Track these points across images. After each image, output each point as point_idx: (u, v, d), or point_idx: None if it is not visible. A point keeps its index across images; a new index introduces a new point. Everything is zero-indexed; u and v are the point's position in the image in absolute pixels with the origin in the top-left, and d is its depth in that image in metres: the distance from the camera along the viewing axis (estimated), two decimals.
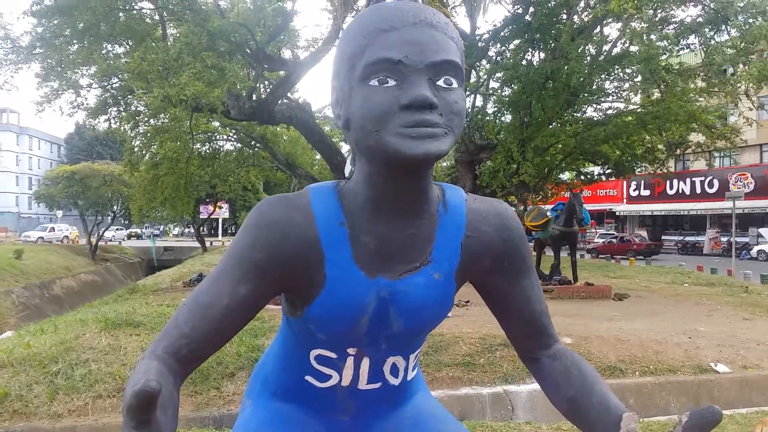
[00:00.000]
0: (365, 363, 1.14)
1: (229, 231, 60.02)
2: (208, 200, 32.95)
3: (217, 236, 51.50)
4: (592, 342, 6.37)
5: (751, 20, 11.27)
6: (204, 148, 20.17)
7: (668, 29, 11.91)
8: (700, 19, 12.07)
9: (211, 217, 41.76)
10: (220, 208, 39.72)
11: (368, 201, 1.01)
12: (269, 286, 1.01)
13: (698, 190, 36.32)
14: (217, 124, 18.25)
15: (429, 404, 1.31)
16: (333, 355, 1.12)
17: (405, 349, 1.16)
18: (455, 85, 0.95)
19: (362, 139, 0.96)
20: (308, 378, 1.17)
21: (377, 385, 1.17)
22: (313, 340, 1.11)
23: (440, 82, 0.94)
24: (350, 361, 1.13)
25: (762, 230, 31.52)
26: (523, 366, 5.90)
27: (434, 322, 1.11)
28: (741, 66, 11.37)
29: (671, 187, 37.49)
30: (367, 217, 1.02)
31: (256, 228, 1.00)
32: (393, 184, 0.99)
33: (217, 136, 20.30)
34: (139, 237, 53.88)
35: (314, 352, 1.13)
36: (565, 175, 21.01)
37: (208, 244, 35.98)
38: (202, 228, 38.42)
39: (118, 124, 16.77)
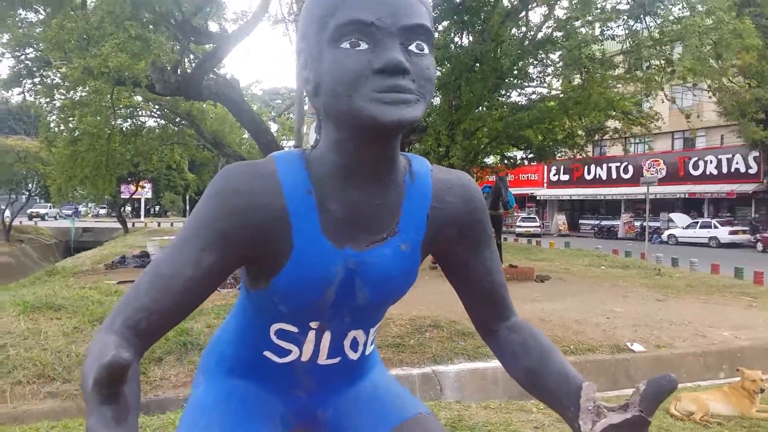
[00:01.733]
0: (326, 337, 1.13)
1: (152, 211, 58.13)
2: (130, 179, 31.76)
3: (140, 217, 49.67)
4: None
5: (676, 14, 11.81)
6: (126, 124, 19.41)
7: (590, 17, 12.32)
8: (620, 6, 12.53)
9: (133, 197, 40.34)
10: (143, 187, 38.40)
11: (337, 169, 0.99)
12: (234, 257, 0.98)
13: (614, 176, 37.89)
14: (139, 98, 17.57)
15: (385, 379, 1.32)
16: (294, 329, 1.11)
17: (367, 322, 1.16)
18: (426, 50, 0.94)
19: (333, 104, 0.93)
20: (267, 353, 1.15)
21: (336, 360, 1.17)
22: (275, 313, 1.09)
23: (412, 47, 0.93)
24: (312, 335, 1.12)
25: (673, 215, 33.28)
26: (451, 346, 6.10)
27: (399, 293, 1.11)
28: (658, 60, 11.89)
29: (589, 173, 39.00)
30: (335, 186, 1.00)
31: (220, 196, 0.96)
32: (363, 152, 0.97)
33: (140, 112, 19.56)
34: (42, 218, 48.35)
35: (275, 326, 1.11)
36: (490, 159, 21.51)
37: (129, 225, 34.70)
38: (123, 208, 37.01)
39: (33, 97, 15.87)
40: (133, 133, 19.35)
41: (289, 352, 1.14)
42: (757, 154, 30.87)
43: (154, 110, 19.30)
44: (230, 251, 0.96)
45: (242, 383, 1.19)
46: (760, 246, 26.13)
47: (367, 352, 1.22)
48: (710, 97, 14.61)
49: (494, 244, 1.18)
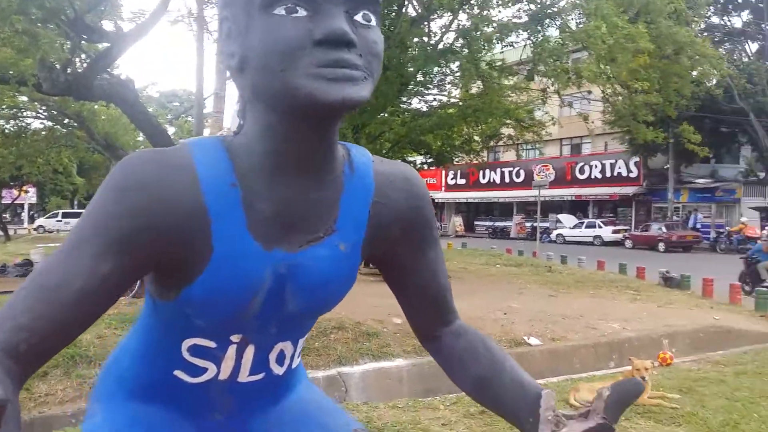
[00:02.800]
0: (249, 351, 0.98)
1: (35, 217, 54.34)
2: (12, 183, 29.61)
3: (23, 224, 46.34)
4: None
5: (573, 24, 12.53)
6: (8, 126, 18.10)
7: (490, 28, 12.84)
8: (517, 20, 13.12)
9: (15, 202, 37.63)
10: (26, 192, 35.87)
11: (266, 158, 0.85)
12: (138, 264, 0.81)
13: (507, 180, 39.78)
14: (24, 98, 16.44)
15: (314, 395, 1.19)
16: (212, 345, 0.96)
17: (296, 333, 1.03)
18: (374, 22, 0.82)
19: (263, 81, 0.80)
20: (178, 373, 0.99)
21: (260, 377, 1.02)
22: (189, 327, 0.94)
23: (358, 17, 0.80)
24: (232, 350, 0.97)
25: (561, 216, 35.21)
26: (356, 347, 6.17)
27: (336, 300, 0.99)
28: (556, 68, 12.54)
29: (484, 177, 40.78)
30: (264, 178, 0.85)
31: (122, 190, 0.80)
32: (298, 138, 0.84)
33: (25, 113, 18.30)
34: None
35: (188, 342, 0.96)
36: None
37: (11, 231, 32.30)
38: (4, 214, 34.42)
39: None
40: (16, 134, 18.08)
41: (205, 370, 0.99)
42: (637, 159, 33.21)
43: (41, 111, 18.12)
44: (133, 257, 0.80)
45: (147, 408, 1.03)
46: (629, 243, 28.19)
47: (293, 366, 1.09)
48: (607, 103, 15.56)
49: (440, 245, 1.08)
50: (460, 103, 15.25)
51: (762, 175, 29.52)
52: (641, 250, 26.24)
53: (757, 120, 27.88)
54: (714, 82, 24.80)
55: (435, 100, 17.02)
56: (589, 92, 15.84)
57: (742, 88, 27.08)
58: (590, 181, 36.07)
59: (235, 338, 0.96)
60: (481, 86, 14.12)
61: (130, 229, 0.79)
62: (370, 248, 0.98)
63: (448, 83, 16.27)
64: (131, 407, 1.03)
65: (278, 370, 1.04)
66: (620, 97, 14.04)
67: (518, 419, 0.93)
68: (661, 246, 26.26)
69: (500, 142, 20.76)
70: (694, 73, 14.80)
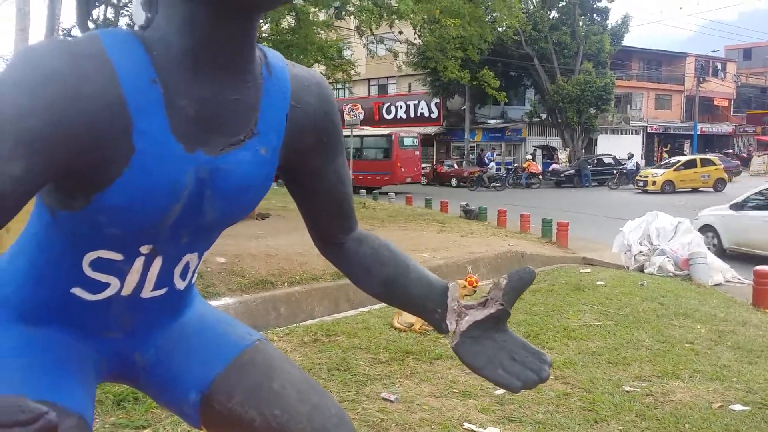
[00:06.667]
0: (156, 264, 0.94)
1: None
2: None
3: None
4: (244, 259, 6.71)
5: None
6: None
7: None
8: None
9: None
10: None
11: (186, 54, 0.79)
12: (51, 165, 0.72)
13: None
14: None
15: (210, 309, 1.18)
16: (118, 257, 0.90)
17: (204, 243, 1.00)
18: None
19: None
20: (76, 290, 0.93)
21: (162, 291, 0.99)
22: (94, 239, 0.87)
23: None
24: (139, 263, 0.92)
25: None
26: None
27: (251, 206, 0.97)
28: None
29: None
30: (185, 76, 0.79)
31: (28, 83, 0.69)
32: (221, 33, 0.79)
33: None
34: None
35: (91, 256, 0.89)
36: None
37: None
38: None
39: None
40: None
41: (107, 285, 0.93)
42: (438, 100, 35.16)
43: None
44: (47, 157, 0.71)
45: (39, 330, 0.95)
46: (424, 180, 30.22)
47: (193, 281, 1.07)
48: (411, 45, 16.07)
49: (344, 152, 1.08)
50: (273, 37, 14.87)
51: (544, 116, 32.92)
52: (433, 186, 28.20)
53: (540, 65, 30.83)
54: (505, 28, 26.91)
55: None
56: (401, 32, 16.30)
57: (528, 35, 29.66)
58: (396, 121, 37.54)
59: (144, 249, 0.91)
60: (293, 22, 13.90)
61: (44, 126, 0.70)
62: (285, 153, 0.96)
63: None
64: (20, 330, 0.95)
65: (180, 285, 1.01)
66: (429, 33, 14.61)
67: (427, 312, 1.02)
68: (454, 181, 28.43)
69: None
70: (495, 15, 15.92)
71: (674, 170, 24.39)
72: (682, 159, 26.03)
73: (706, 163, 24.83)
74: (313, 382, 1.09)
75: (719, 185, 24.13)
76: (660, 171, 24.80)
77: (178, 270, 0.99)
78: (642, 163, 32.09)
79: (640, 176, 25.11)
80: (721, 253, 9.40)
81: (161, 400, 1.11)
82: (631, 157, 29.58)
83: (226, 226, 0.99)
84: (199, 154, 0.84)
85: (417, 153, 24.91)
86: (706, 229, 10.22)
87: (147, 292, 0.97)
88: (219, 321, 1.14)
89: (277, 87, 0.91)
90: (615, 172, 27.44)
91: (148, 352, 1.06)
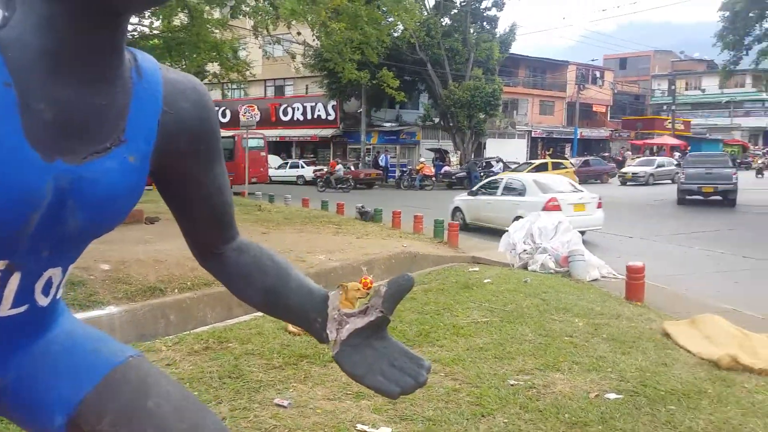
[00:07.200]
0: (14, 280, 0.86)
1: None
2: None
3: None
4: (131, 266, 6.42)
5: None
6: None
7: None
8: None
9: None
10: None
11: (44, 56, 0.74)
12: None
13: None
14: None
15: (78, 324, 1.09)
16: None
17: (68, 257, 0.93)
18: None
19: None
20: None
21: (22, 309, 0.91)
22: None
23: None
24: None
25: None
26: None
27: (120, 217, 0.91)
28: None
29: None
30: (43, 78, 0.75)
31: None
32: (85, 33, 0.75)
33: None
34: None
35: None
36: None
37: None
38: None
39: None
40: None
41: None
42: (335, 103, 35.24)
43: None
44: None
45: None
46: (320, 182, 30.01)
47: (58, 296, 0.99)
48: (308, 46, 16.01)
49: (223, 159, 1.05)
50: (166, 35, 14.36)
51: (437, 119, 33.81)
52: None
53: (433, 70, 31.65)
54: (399, 33, 27.37)
55: (135, 31, 15.71)
56: (299, 33, 16.19)
57: (422, 40, 30.38)
58: (293, 123, 37.29)
59: None
60: (186, 19, 13.49)
61: None
62: (157, 160, 0.92)
63: (149, 13, 15.13)
64: None
65: (43, 301, 0.94)
66: (321, 37, 14.66)
67: (307, 321, 1.01)
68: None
69: (205, 81, 20.16)
70: (390, 19, 16.17)
71: (526, 173, 25.54)
72: (535, 162, 27.05)
73: (557, 166, 25.81)
74: (193, 398, 1.03)
75: None
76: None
77: (39, 286, 0.91)
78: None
79: None
80: (465, 227, 12.94)
81: (26, 426, 1.03)
82: (499, 161, 30.86)
83: (93, 238, 0.93)
84: (58, 162, 0.78)
85: (263, 154, 25.43)
86: (456, 210, 13.96)
87: (5, 311, 0.89)
88: (88, 337, 1.06)
89: (147, 91, 0.88)
90: (482, 174, 28.29)
91: (8, 374, 0.98)
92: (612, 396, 3.49)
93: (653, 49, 64.53)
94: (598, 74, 51.05)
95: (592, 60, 49.40)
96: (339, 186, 26.50)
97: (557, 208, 10.95)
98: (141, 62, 0.89)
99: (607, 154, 43.86)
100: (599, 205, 11.94)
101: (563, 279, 7.20)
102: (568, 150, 44.48)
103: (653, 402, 3.41)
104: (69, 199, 0.82)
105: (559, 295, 6.05)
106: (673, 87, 55.31)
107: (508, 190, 12.66)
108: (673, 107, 51.60)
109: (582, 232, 10.15)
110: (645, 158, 34.99)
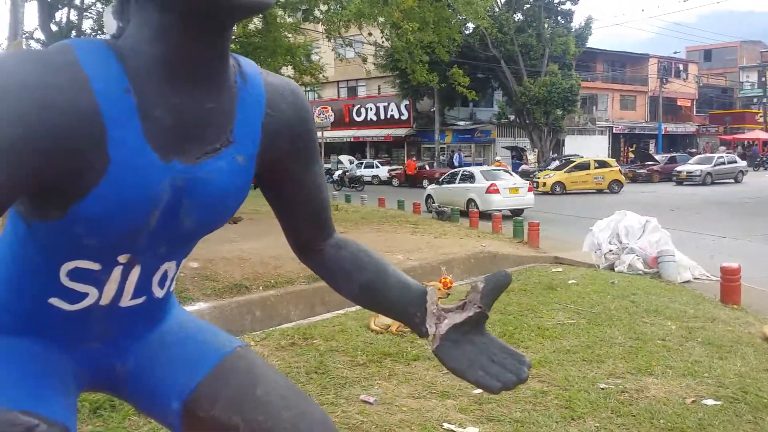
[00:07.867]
0: (135, 273, 0.94)
1: None
2: None
3: None
4: (218, 263, 6.65)
5: None
6: None
7: None
8: None
9: None
10: None
11: (159, 63, 0.79)
12: (25, 177, 0.71)
13: None
14: None
15: (190, 317, 1.17)
16: (96, 267, 0.90)
17: (182, 252, 1.00)
18: None
19: None
20: (53, 301, 0.92)
21: (141, 300, 0.99)
22: (72, 249, 0.87)
23: None
24: (117, 272, 0.92)
25: (341, 157, 36.31)
26: None
27: (228, 215, 0.97)
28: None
29: None
30: (158, 85, 0.80)
31: (5, 93, 0.68)
32: (194, 42, 0.80)
33: None
34: None
35: (69, 266, 0.89)
36: None
37: None
38: None
39: None
40: None
41: (85, 295, 0.92)
42: (407, 102, 35.30)
43: None
44: (20, 169, 0.70)
45: (19, 342, 0.94)
46: (396, 182, 30.25)
47: (171, 288, 1.07)
48: (379, 47, 16.13)
49: (321, 159, 1.10)
50: (241, 40, 14.81)
51: (512, 117, 33.28)
52: (406, 188, 28.33)
53: (507, 67, 31.17)
54: (471, 30, 27.10)
55: None
56: (370, 34, 16.32)
57: (494, 37, 29.98)
58: (366, 123, 37.61)
59: (122, 259, 0.91)
60: (260, 24, 13.85)
61: (16, 136, 0.68)
62: (261, 161, 0.97)
63: None
64: None
65: (159, 293, 1.02)
66: (393, 39, 14.69)
67: (407, 315, 1.02)
68: (426, 183, 28.61)
69: None
70: (462, 17, 16.04)
71: (565, 172, 24.51)
72: (577, 160, 25.97)
73: (601, 164, 24.86)
74: (297, 389, 1.09)
75: (614, 187, 24.06)
76: (552, 173, 25.00)
77: (156, 278, 0.99)
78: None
79: (536, 177, 24.93)
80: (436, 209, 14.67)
81: (144, 409, 1.11)
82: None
83: (204, 235, 0.99)
84: (175, 163, 0.84)
85: None
86: (428, 196, 17.30)
87: (125, 301, 0.97)
88: (200, 329, 1.14)
89: (251, 95, 0.92)
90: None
91: (128, 361, 1.06)
92: (710, 402, 3.31)
93: (740, 40, 60.99)
94: (681, 67, 48.85)
95: (675, 52, 47.16)
96: (352, 185, 26.75)
97: (497, 191, 14.99)
98: (244, 67, 0.93)
99: (694, 150, 41.86)
100: (530, 189, 16.11)
101: (653, 280, 6.91)
102: (652, 146, 42.71)
103: (755, 410, 3.21)
104: (184, 198, 0.87)
105: (649, 297, 5.81)
106: (763, 78, 52.08)
107: (463, 179, 16.49)
108: (765, 100, 48.70)
109: (518, 212, 14.79)
110: (702, 155, 32.56)
